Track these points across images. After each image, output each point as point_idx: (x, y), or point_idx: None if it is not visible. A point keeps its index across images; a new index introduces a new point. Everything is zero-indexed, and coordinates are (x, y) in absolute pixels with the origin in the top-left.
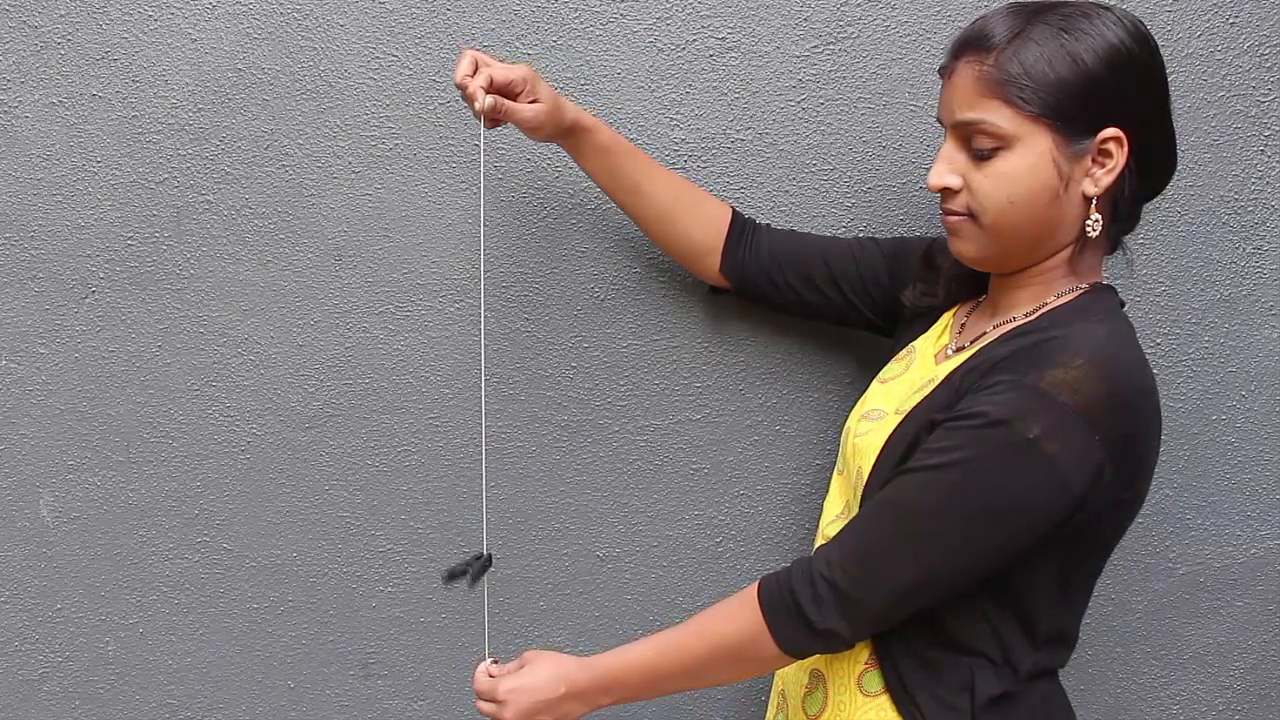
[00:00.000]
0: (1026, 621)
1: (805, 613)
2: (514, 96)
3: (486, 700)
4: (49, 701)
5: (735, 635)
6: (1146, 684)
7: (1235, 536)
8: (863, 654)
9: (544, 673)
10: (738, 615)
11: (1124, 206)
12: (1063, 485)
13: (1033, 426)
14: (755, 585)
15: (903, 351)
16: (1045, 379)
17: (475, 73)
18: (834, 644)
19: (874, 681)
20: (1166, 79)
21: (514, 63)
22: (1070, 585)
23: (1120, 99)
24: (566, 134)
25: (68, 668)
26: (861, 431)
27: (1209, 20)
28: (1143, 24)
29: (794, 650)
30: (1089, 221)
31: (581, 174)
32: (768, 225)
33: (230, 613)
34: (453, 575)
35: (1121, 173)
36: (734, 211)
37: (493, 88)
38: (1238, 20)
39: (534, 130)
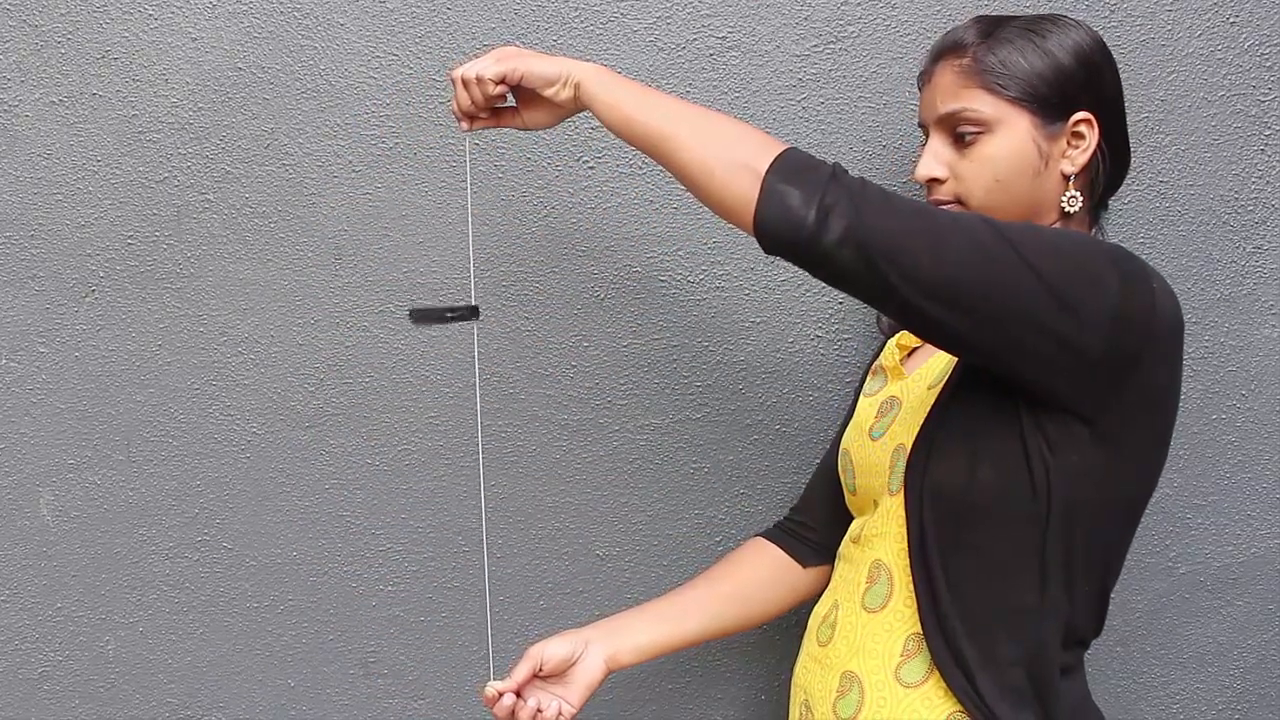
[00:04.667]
0: (1078, 595)
1: (818, 180)
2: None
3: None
4: (49, 700)
5: (737, 146)
6: (1147, 683)
7: (1235, 536)
8: (897, 645)
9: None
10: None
11: (1099, 188)
12: (1146, 286)
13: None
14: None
15: (873, 370)
16: None
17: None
18: (818, 220)
19: (914, 671)
20: (1121, 84)
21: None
22: (1110, 556)
23: (1087, 87)
24: None
25: (68, 666)
26: (879, 433)
27: (1209, 20)
28: (1098, 33)
29: (775, 177)
30: (1065, 197)
31: (581, 173)
32: (782, 522)
33: (230, 612)
34: (424, 315)
35: (1094, 153)
36: (763, 540)
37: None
38: (1238, 20)
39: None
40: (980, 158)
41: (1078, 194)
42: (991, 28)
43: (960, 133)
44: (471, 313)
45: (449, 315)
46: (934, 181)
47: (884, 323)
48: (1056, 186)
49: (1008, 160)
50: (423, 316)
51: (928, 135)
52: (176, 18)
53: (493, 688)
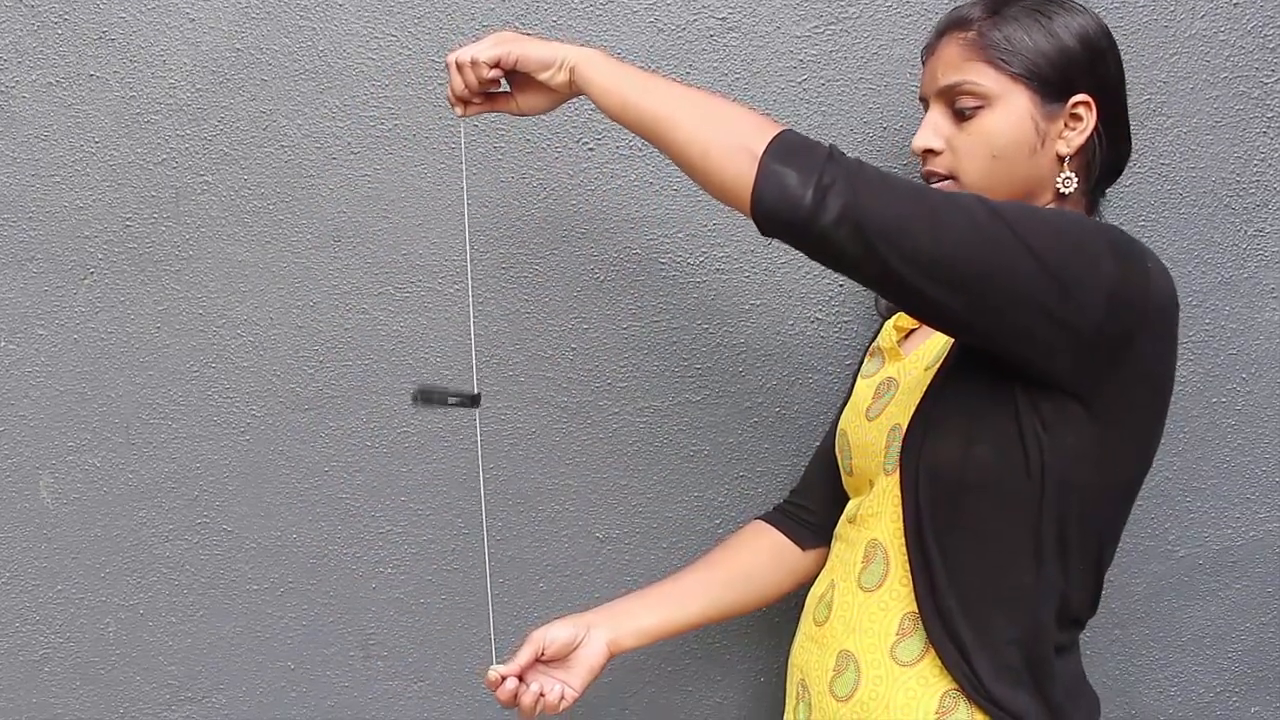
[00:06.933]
0: (1074, 574)
1: (815, 160)
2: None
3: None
4: (50, 682)
5: (733, 128)
6: (1145, 665)
7: (1234, 520)
8: (892, 624)
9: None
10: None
11: (1095, 172)
12: (1142, 266)
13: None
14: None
15: (871, 352)
16: None
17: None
18: (815, 199)
19: (910, 649)
20: (1123, 72)
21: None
22: (1106, 535)
23: (1088, 70)
24: None
25: (68, 649)
26: (875, 413)
27: (1211, 1)
28: (1103, 20)
29: (772, 158)
30: (1060, 178)
31: (580, 155)
32: (782, 505)
33: (230, 594)
34: (428, 397)
35: (1091, 136)
36: (762, 523)
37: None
38: (1241, 0)
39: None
40: (978, 132)
41: (1073, 175)
42: (999, 5)
43: (960, 107)
44: (473, 401)
45: (451, 400)
46: (930, 153)
47: (882, 305)
48: (1052, 167)
49: (1005, 136)
50: (425, 398)
51: (928, 109)
52: None
53: (495, 671)
